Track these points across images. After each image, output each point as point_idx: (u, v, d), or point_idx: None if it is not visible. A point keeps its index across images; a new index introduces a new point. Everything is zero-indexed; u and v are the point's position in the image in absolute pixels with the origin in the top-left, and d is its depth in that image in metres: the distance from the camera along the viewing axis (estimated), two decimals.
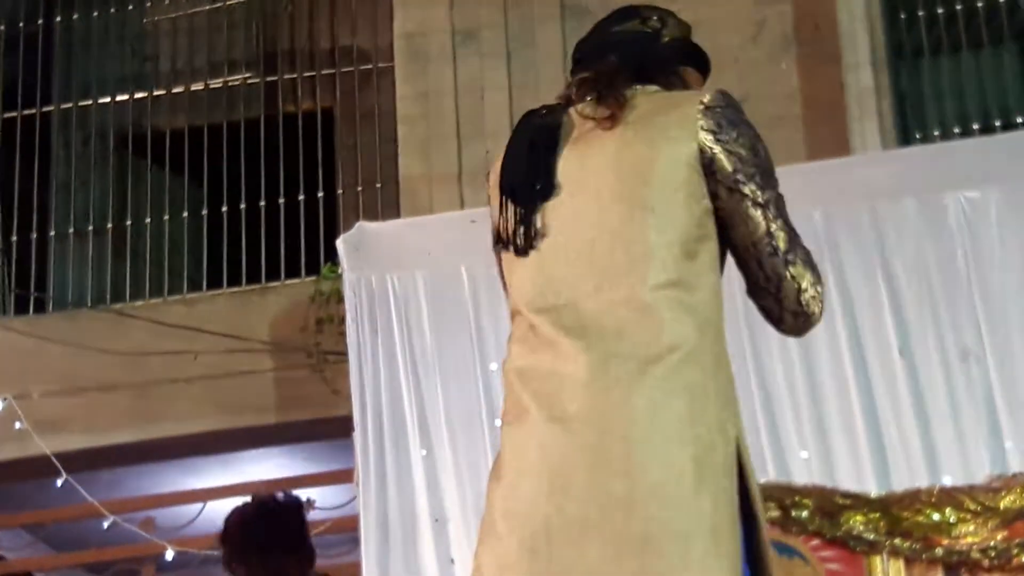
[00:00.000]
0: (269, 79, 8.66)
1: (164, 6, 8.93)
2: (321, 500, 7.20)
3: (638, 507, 2.64)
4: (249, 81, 8.69)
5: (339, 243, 6.56)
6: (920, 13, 7.61)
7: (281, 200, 8.09)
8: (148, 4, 8.93)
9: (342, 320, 6.55)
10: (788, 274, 2.90)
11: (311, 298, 7.32)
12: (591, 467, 2.70)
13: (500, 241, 3.02)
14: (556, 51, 7.75)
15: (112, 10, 8.82)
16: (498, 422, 6.06)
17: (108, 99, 8.74)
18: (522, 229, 2.95)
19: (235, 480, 7.63)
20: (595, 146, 2.96)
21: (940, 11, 7.60)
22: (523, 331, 2.96)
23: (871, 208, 6.15)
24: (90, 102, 8.74)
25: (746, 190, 2.89)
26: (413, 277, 6.43)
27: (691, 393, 2.74)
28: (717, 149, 2.87)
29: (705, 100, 2.94)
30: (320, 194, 8.11)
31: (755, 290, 2.96)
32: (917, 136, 7.40)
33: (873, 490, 5.44)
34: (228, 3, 8.86)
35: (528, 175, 2.98)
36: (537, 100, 7.89)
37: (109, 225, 8.42)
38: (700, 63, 3.26)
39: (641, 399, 2.71)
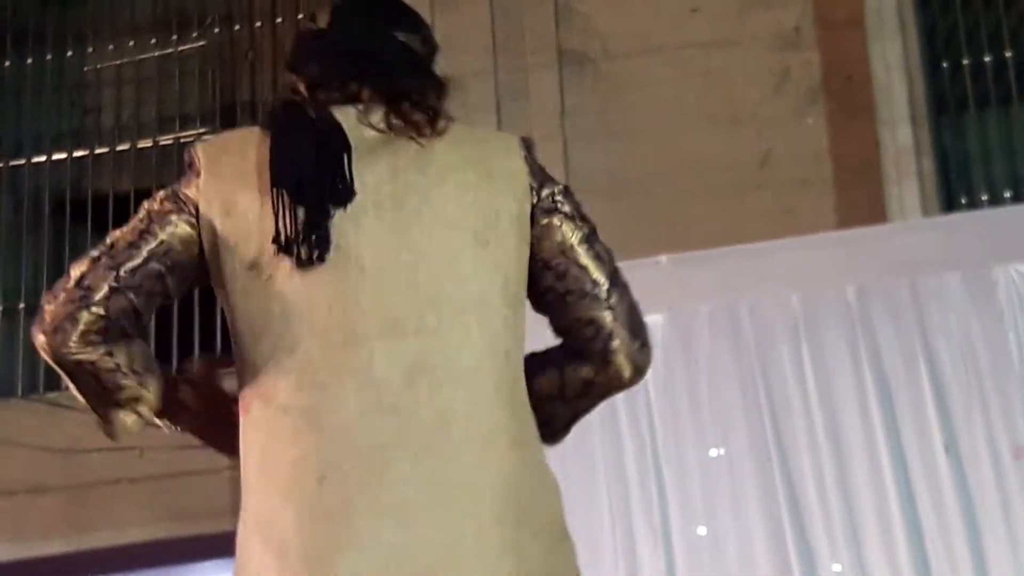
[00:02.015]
0: None
1: (108, 52, 8.90)
2: None
3: None
4: (204, 137, 8.64)
5: None
6: (964, 62, 7.64)
7: None
8: (90, 50, 8.91)
9: None
10: None
11: None
12: None
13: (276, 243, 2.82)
14: (552, 104, 7.82)
15: (48, 56, 8.82)
16: None
17: (43, 158, 8.72)
18: (313, 235, 2.80)
19: None
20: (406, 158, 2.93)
21: (987, 59, 7.63)
22: (298, 362, 2.79)
23: (911, 283, 6.19)
24: (23, 162, 8.73)
25: None
26: None
27: None
28: None
29: None
30: None
31: None
32: (962, 201, 7.41)
33: None
34: (180, 50, 8.85)
35: (320, 174, 2.86)
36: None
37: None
38: None
39: None
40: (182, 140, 8.59)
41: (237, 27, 8.83)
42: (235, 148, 2.92)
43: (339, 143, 2.88)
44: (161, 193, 2.90)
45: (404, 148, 2.90)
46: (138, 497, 7.38)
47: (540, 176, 2.99)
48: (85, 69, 8.95)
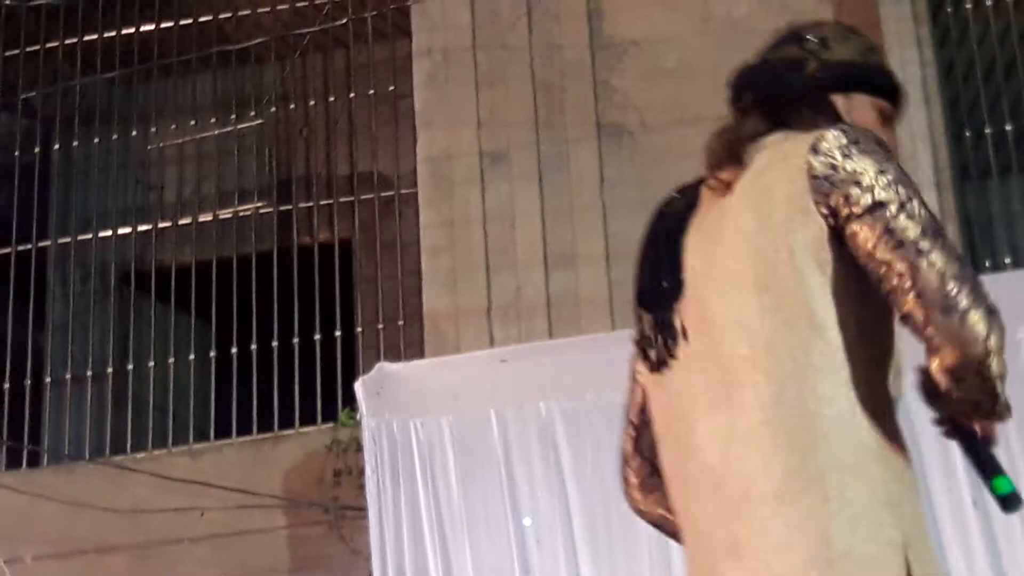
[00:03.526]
0: (283, 208, 8.68)
1: (170, 131, 8.97)
2: None
3: None
4: (261, 211, 8.70)
5: (358, 386, 6.58)
6: (987, 131, 7.63)
7: (295, 340, 8.07)
8: (153, 130, 8.98)
9: (361, 472, 6.58)
10: None
11: (328, 447, 7.33)
12: None
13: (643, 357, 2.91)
14: (592, 174, 7.83)
15: (114, 137, 8.87)
16: None
17: (109, 233, 8.75)
18: (659, 338, 2.85)
19: None
20: (711, 222, 2.85)
21: (1009, 128, 7.62)
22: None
23: None
24: (90, 236, 8.75)
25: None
26: (438, 423, 6.46)
27: None
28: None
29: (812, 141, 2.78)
30: (338, 333, 8.10)
31: None
32: (987, 264, 7.36)
33: None
34: (239, 128, 8.91)
35: (655, 274, 2.89)
36: (571, 228, 8.02)
37: (109, 370, 8.39)
38: (874, 86, 3.05)
39: None
40: (240, 213, 8.70)
41: (292, 106, 8.92)
42: None
43: (671, 230, 2.91)
44: None
45: (710, 210, 2.88)
46: (199, 555, 7.40)
47: (826, 185, 2.72)
48: (149, 148, 9.02)
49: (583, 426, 6.34)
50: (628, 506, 3.06)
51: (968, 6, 7.68)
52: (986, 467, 2.76)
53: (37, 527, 7.57)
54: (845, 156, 2.73)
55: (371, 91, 8.59)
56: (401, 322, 8.08)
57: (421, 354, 7.46)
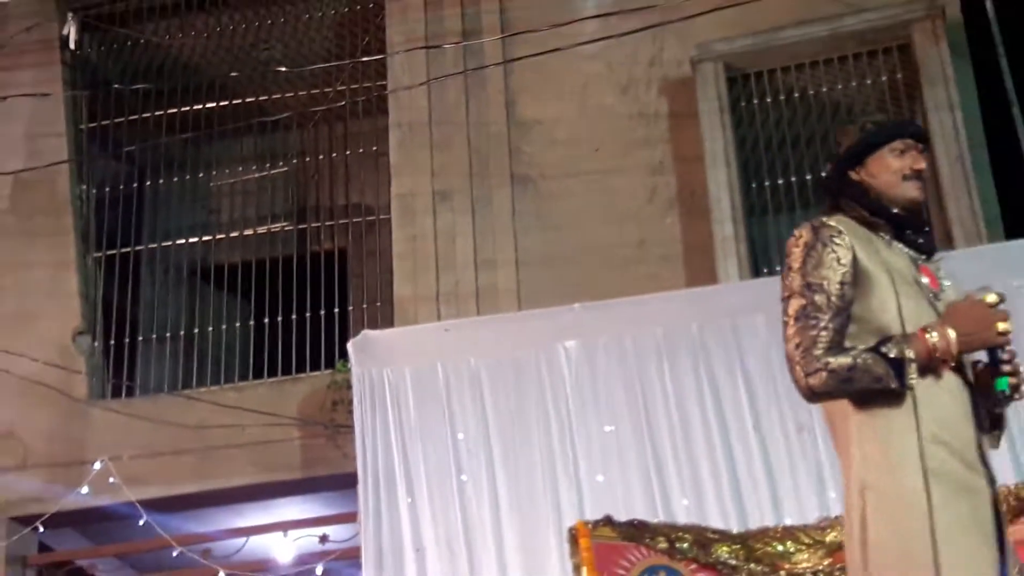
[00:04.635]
0: (300, 227, 8.66)
1: (224, 175, 8.93)
2: (333, 535, 7.15)
3: None
4: (286, 228, 8.69)
5: (349, 346, 6.57)
6: (766, 183, 7.62)
7: (307, 315, 8.06)
8: (214, 172, 8.92)
9: (351, 402, 6.51)
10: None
11: (328, 386, 7.29)
12: None
13: None
14: (507, 208, 7.78)
15: (187, 177, 8.79)
16: (464, 477, 6.09)
17: (183, 241, 8.69)
18: None
19: (271, 520, 7.53)
20: None
21: (780, 182, 7.61)
22: None
23: (732, 323, 6.17)
24: (170, 243, 8.69)
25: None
26: (403, 371, 6.43)
27: None
28: None
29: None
30: (336, 310, 8.09)
31: None
32: (764, 271, 7.37)
33: (735, 528, 5.43)
34: (271, 172, 8.88)
35: None
36: (493, 243, 8.02)
37: (181, 332, 8.37)
38: (873, 145, 2.89)
39: None
40: (272, 230, 8.67)
41: (308, 159, 8.89)
42: None
43: None
44: None
45: None
46: (242, 456, 7.31)
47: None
48: (211, 184, 8.96)
49: (500, 375, 6.32)
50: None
51: (755, 101, 7.68)
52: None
53: (132, 437, 7.53)
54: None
55: (360, 150, 8.57)
56: (379, 304, 8.06)
57: (391, 325, 7.45)
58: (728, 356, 6.10)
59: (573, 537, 4.96)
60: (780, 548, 4.89)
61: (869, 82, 7.46)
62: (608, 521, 5.02)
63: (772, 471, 5.87)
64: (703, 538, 5.01)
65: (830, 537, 4.89)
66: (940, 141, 6.92)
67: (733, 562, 4.89)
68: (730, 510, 5.77)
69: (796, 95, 7.59)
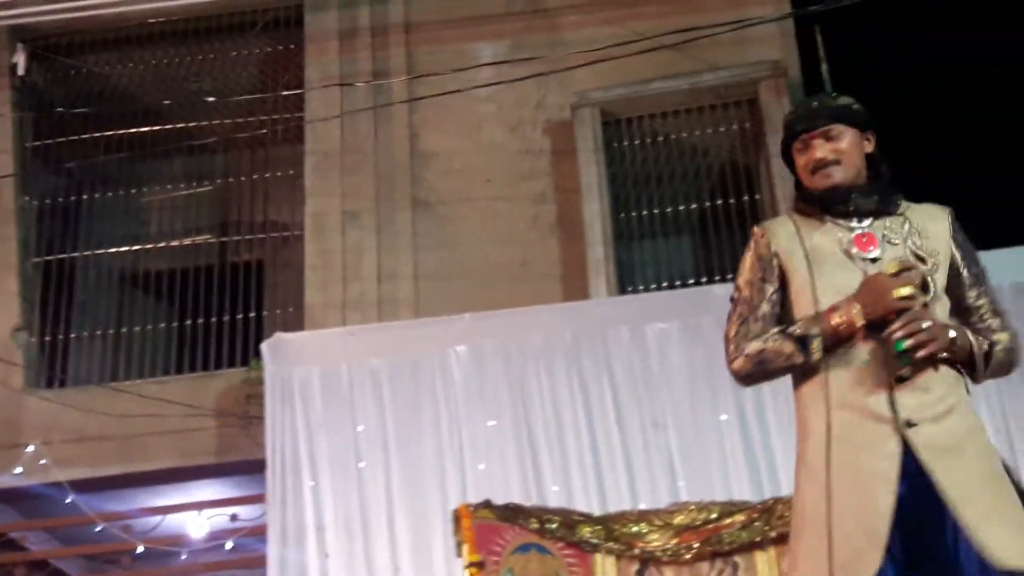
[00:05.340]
0: (223, 239, 8.52)
1: (155, 191, 8.74)
2: (243, 514, 7.04)
3: None
4: (209, 240, 8.53)
5: (263, 346, 6.49)
6: (633, 214, 7.66)
7: (226, 318, 7.93)
8: (145, 189, 8.72)
9: (263, 396, 6.40)
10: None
11: (243, 382, 7.18)
12: None
13: None
14: (408, 228, 7.73)
15: (121, 192, 8.59)
16: (362, 464, 6.03)
17: (115, 249, 8.49)
18: None
19: (187, 500, 7.36)
20: None
21: (645, 212, 7.67)
22: None
23: (602, 333, 6.21)
24: (103, 251, 8.49)
25: None
26: (310, 370, 6.36)
27: None
28: None
29: None
30: (252, 315, 7.97)
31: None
32: (629, 289, 7.42)
33: (597, 511, 5.45)
34: (198, 190, 8.71)
35: None
36: (394, 258, 7.95)
37: (111, 331, 8.17)
38: (785, 152, 2.86)
39: None
40: (196, 241, 8.49)
41: (231, 179, 8.74)
42: None
43: None
44: None
45: None
46: (163, 443, 7.16)
47: None
48: (142, 199, 8.77)
49: (398, 375, 6.29)
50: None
51: (626, 143, 7.75)
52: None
53: (63, 423, 7.32)
54: None
55: (279, 173, 8.47)
56: (291, 310, 7.97)
57: (302, 329, 7.35)
58: (597, 362, 6.14)
59: (457, 518, 4.96)
60: (635, 529, 4.91)
61: (722, 130, 7.62)
62: (487, 504, 5.02)
63: (631, 462, 5.91)
64: (569, 520, 5.01)
65: (678, 520, 4.92)
66: (784, 185, 7.05)
67: (594, 541, 4.91)
68: (593, 495, 5.80)
69: (660, 139, 7.71)
